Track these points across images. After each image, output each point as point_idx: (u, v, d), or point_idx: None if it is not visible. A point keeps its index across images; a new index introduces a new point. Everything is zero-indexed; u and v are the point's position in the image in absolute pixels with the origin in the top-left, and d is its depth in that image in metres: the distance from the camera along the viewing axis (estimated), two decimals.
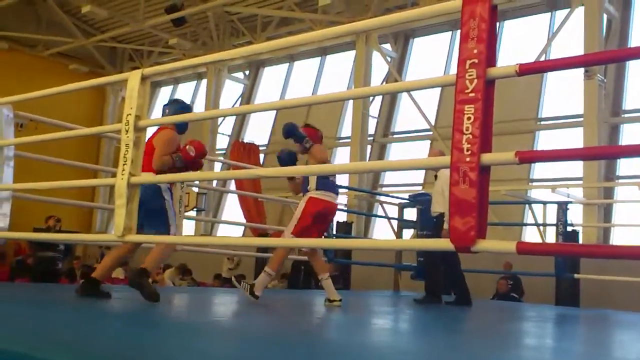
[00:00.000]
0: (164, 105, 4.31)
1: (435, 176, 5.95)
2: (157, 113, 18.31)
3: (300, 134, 4.66)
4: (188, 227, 16.23)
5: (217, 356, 2.21)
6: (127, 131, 3.16)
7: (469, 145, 2.19)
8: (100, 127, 3.87)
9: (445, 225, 5.45)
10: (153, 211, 3.89)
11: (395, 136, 13.96)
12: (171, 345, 2.33)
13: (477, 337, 3.67)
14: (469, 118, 2.21)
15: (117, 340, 2.37)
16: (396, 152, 13.66)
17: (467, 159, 2.18)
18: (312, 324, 3.75)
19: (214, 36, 16.11)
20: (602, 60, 2.56)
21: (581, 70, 10.12)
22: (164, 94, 19.25)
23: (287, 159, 4.67)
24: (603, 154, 2.21)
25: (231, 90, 16.82)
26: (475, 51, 2.23)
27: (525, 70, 2.18)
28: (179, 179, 3.77)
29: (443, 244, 2.29)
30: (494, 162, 2.21)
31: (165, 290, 6.22)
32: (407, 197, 8.62)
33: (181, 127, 4.22)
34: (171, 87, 19.03)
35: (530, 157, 2.17)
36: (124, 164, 3.12)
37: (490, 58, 2.22)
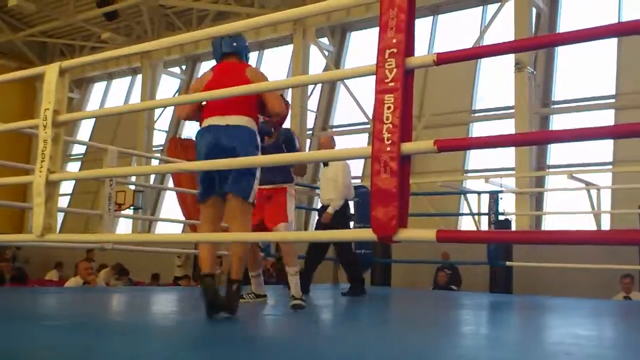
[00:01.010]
0: (230, 40, 3.60)
1: (325, 164, 5.94)
2: (91, 109, 17.71)
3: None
4: (125, 226, 15.91)
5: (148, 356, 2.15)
6: (45, 127, 3.04)
7: (389, 135, 2.19)
8: (17, 123, 3.67)
9: (330, 210, 5.54)
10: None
11: (334, 130, 14.00)
12: (112, 348, 2.25)
13: (410, 326, 3.70)
14: (388, 107, 2.21)
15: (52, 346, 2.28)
16: (336, 145, 13.69)
17: (388, 149, 2.18)
18: (248, 320, 3.71)
19: (149, 30, 15.77)
20: (515, 49, 2.61)
21: (512, 62, 10.39)
22: (97, 90, 18.76)
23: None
24: (515, 142, 2.25)
25: (168, 86, 16.52)
26: (394, 40, 2.23)
27: (443, 59, 2.19)
28: (107, 175, 3.63)
29: (366, 234, 2.28)
30: (414, 151, 2.22)
31: (98, 291, 6.07)
32: None
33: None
34: (105, 82, 18.54)
35: (449, 146, 2.19)
36: (42, 161, 3.00)
37: (409, 47, 2.22)
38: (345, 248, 6.07)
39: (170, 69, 16.62)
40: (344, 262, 6.21)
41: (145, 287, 9.60)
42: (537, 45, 2.73)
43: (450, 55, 2.19)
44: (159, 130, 16.29)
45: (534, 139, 2.27)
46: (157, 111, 16.09)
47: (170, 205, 15.28)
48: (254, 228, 4.29)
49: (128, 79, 17.92)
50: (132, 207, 14.31)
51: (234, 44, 3.61)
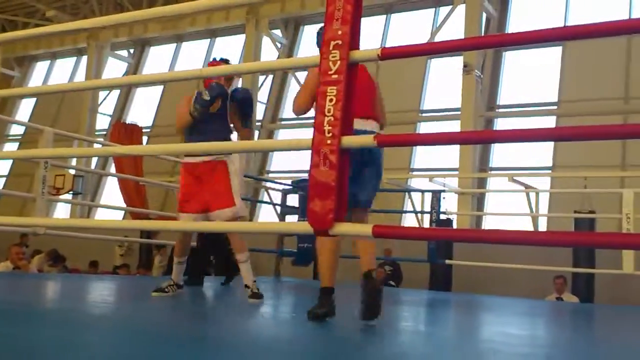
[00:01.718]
0: None
1: None
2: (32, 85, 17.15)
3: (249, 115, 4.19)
4: (63, 211, 15.47)
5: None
6: None
7: (330, 127, 2.16)
8: None
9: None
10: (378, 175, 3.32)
11: (283, 122, 13.93)
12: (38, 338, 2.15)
13: (342, 322, 3.70)
14: (331, 100, 2.18)
15: None
16: (285, 138, 13.64)
17: (328, 141, 2.16)
18: (185, 313, 3.63)
19: (96, 10, 15.33)
20: (458, 47, 2.62)
21: (460, 65, 10.54)
22: (39, 70, 18.13)
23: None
24: (450, 139, 2.27)
25: (114, 70, 16.10)
26: (339, 32, 2.20)
27: (387, 54, 2.18)
28: (37, 156, 3.48)
29: (303, 227, 2.25)
30: (354, 145, 2.20)
31: (28, 277, 5.86)
32: (290, 183, 8.63)
33: None
34: (48, 62, 17.94)
35: (388, 141, 2.18)
36: None
37: (354, 40, 2.20)
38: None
39: (118, 52, 16.20)
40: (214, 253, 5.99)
41: (80, 275, 9.34)
42: (481, 44, 2.75)
43: (394, 51, 2.18)
44: (103, 114, 15.87)
45: (467, 138, 2.31)
46: (102, 94, 15.68)
47: (111, 192, 14.93)
48: (198, 212, 3.92)
49: (73, 59, 17.39)
50: (71, 192, 13.91)
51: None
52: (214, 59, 4.23)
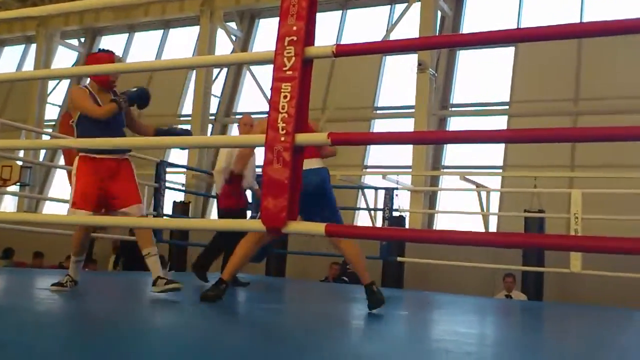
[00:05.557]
0: None
1: None
2: None
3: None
4: (11, 203, 15.02)
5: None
6: None
7: (284, 125, 2.14)
8: None
9: None
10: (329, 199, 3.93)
11: (237, 116, 13.79)
12: None
13: (294, 319, 3.68)
14: (285, 97, 2.16)
15: None
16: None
17: (282, 139, 2.13)
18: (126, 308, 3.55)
19: None
20: (411, 47, 2.63)
21: (415, 63, 10.62)
22: None
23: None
24: (402, 139, 2.27)
25: (64, 58, 15.67)
26: (294, 28, 2.18)
27: (342, 51, 2.16)
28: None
29: (255, 225, 2.22)
30: (308, 143, 2.19)
31: None
32: None
33: None
34: None
35: (341, 139, 2.17)
36: None
37: (308, 36, 2.18)
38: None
39: (68, 40, 15.77)
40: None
41: (24, 269, 9.08)
42: (435, 44, 2.76)
43: (349, 48, 2.17)
44: (52, 104, 15.44)
45: (420, 138, 2.32)
46: (51, 84, 15.25)
47: (60, 184, 14.54)
48: (94, 210, 3.85)
49: (21, 47, 16.86)
50: (19, 184, 13.48)
51: None
52: (99, 50, 4.14)
